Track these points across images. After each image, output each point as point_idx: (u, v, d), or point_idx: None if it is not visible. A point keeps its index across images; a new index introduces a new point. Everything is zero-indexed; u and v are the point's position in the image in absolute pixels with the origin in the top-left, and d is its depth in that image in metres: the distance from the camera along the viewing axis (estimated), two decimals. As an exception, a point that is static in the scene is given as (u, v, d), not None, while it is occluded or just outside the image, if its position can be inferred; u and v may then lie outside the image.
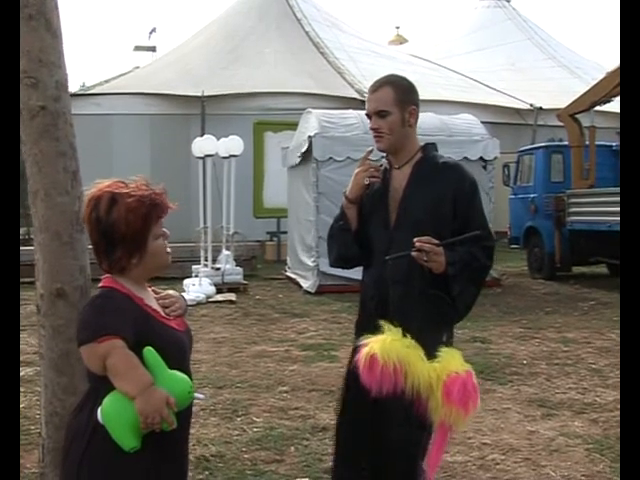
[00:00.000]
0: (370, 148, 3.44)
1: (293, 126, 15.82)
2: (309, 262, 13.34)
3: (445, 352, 2.96)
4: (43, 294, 3.85)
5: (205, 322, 10.47)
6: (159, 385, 2.42)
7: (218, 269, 13.52)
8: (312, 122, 13.91)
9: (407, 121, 3.32)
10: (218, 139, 13.92)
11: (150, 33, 37.02)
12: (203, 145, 13.78)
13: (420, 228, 3.17)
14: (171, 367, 2.48)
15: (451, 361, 2.94)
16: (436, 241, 3.10)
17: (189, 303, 10.94)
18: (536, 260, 15.14)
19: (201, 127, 19.62)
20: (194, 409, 6.00)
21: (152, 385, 2.40)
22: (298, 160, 14.46)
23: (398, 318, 3.05)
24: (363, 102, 16.23)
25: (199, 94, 20.11)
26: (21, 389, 6.70)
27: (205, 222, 13.73)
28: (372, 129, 3.36)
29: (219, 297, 12.50)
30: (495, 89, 24.67)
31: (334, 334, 9.30)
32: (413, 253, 3.08)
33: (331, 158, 13.20)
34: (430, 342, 3.01)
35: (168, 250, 2.69)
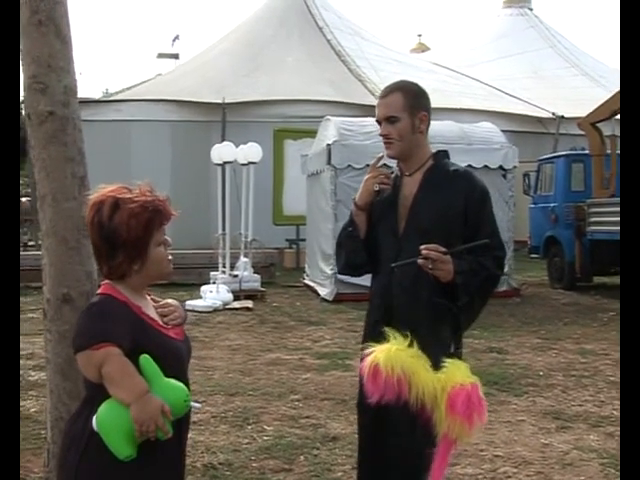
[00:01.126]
0: (380, 154, 3.39)
1: (313, 134, 15.81)
2: (327, 270, 13.29)
3: (450, 363, 2.91)
4: (49, 299, 3.85)
5: (221, 329, 10.46)
6: (155, 393, 2.39)
7: (236, 276, 13.51)
8: (331, 130, 13.89)
9: (417, 127, 3.26)
10: (237, 146, 13.94)
11: (173, 40, 37.31)
12: (222, 152, 13.80)
13: (429, 236, 3.11)
14: (168, 375, 2.46)
15: (456, 372, 2.89)
16: (443, 249, 3.03)
17: (206, 310, 10.98)
18: (556, 270, 15.00)
19: (222, 134, 19.67)
20: (204, 416, 5.99)
21: (147, 393, 2.38)
22: (317, 168, 14.44)
23: (404, 327, 3.00)
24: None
25: (220, 101, 20.16)
26: (33, 393, 6.72)
27: (223, 229, 13.74)
28: (382, 135, 3.30)
29: (236, 304, 12.48)
30: (517, 97, 24.55)
31: (349, 342, 9.25)
32: (419, 261, 3.01)
33: (349, 166, 13.16)
34: (437, 352, 2.96)
35: (169, 258, 2.67)
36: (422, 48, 38.42)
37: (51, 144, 3.72)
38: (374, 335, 3.17)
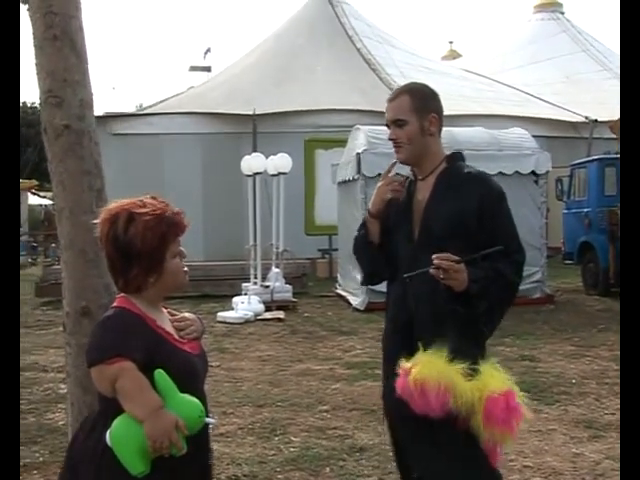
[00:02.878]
0: (394, 161, 3.34)
1: (344, 143, 15.77)
2: (359, 279, 13.21)
3: (485, 369, 2.88)
4: (69, 312, 3.85)
5: (252, 340, 10.45)
6: (169, 408, 2.38)
7: (267, 287, 13.51)
8: (360, 138, 13.87)
9: (427, 130, 3.18)
10: (268, 157, 13.97)
11: (205, 53, 37.50)
12: (252, 163, 13.83)
13: (443, 242, 3.03)
14: (182, 391, 2.44)
15: (491, 379, 2.85)
16: (456, 258, 2.93)
17: (237, 321, 10.97)
18: (590, 276, 14.78)
19: (253, 145, 19.71)
20: (232, 428, 5.95)
21: (161, 408, 2.37)
22: (347, 176, 14.41)
23: (427, 338, 2.96)
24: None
25: (250, 112, 20.22)
26: (62, 406, 6.73)
27: (255, 240, 13.76)
28: (390, 139, 3.25)
29: (267, 315, 12.47)
30: (549, 102, 24.32)
31: (380, 352, 9.15)
32: (431, 271, 2.93)
33: (380, 174, 13.03)
34: (466, 362, 2.92)
35: (185, 269, 2.66)
36: (453, 55, 38.27)
37: (67, 157, 3.72)
38: (393, 348, 3.14)
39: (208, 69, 36.11)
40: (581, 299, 14.24)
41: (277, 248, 14.05)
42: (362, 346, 9.81)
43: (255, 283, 13.62)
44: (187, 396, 2.44)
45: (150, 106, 26.36)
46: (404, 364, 2.94)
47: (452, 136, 13.32)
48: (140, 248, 2.50)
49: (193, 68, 38.12)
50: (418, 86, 3.31)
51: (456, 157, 3.30)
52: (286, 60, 23.23)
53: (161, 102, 25.54)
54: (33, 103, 35.83)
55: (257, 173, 13.67)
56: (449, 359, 2.85)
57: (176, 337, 2.61)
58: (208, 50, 37.41)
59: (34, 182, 28.78)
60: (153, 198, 2.61)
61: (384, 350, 3.34)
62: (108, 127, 20.06)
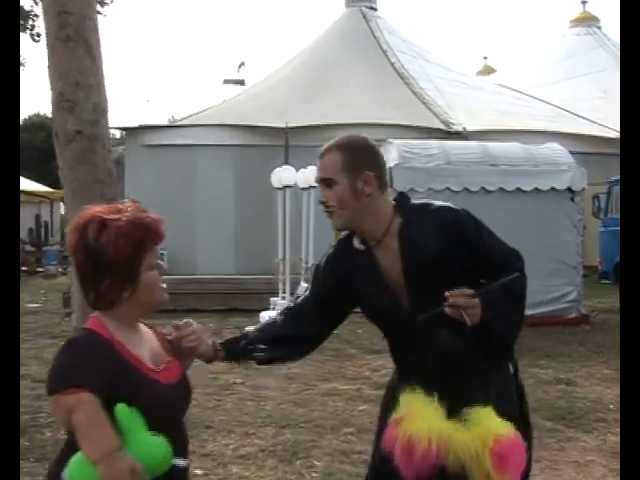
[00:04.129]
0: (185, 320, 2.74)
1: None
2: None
3: (477, 412, 2.60)
4: (77, 328, 3.65)
5: (278, 356, 10.19)
6: (130, 449, 2.11)
7: (295, 302, 13.25)
8: (392, 153, 13.62)
9: (361, 191, 2.76)
10: (298, 170, 13.77)
11: (239, 67, 37.55)
12: (282, 176, 13.65)
13: (440, 294, 2.64)
14: (153, 427, 2.19)
15: (489, 422, 2.57)
16: (470, 291, 2.63)
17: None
18: (628, 296, 14.35)
19: (284, 158, 19.52)
20: (252, 450, 5.69)
21: (117, 450, 2.09)
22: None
23: (436, 383, 2.71)
24: (449, 133, 15.79)
25: (283, 125, 20.07)
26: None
27: (284, 254, 13.55)
28: (321, 203, 2.86)
29: (295, 331, 12.21)
30: (586, 118, 23.90)
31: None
32: (448, 310, 2.61)
33: (412, 189, 12.83)
34: (478, 400, 2.67)
35: (163, 285, 2.41)
36: (488, 70, 37.91)
37: (79, 164, 3.56)
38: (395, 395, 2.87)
39: (242, 82, 36.13)
40: (617, 320, 13.80)
41: (306, 263, 13.81)
42: (392, 365, 9.50)
43: (283, 298, 13.39)
44: (151, 435, 2.18)
45: (183, 118, 26.37)
46: (394, 414, 2.68)
47: (486, 151, 13.07)
48: (112, 257, 2.26)
49: (227, 81, 38.17)
50: (351, 140, 2.86)
51: (403, 204, 2.88)
52: (319, 74, 23.11)
53: (194, 115, 25.54)
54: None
55: (287, 186, 13.48)
56: (449, 406, 2.61)
57: (148, 365, 2.34)
58: (242, 64, 37.45)
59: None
60: (133, 202, 2.39)
61: (387, 402, 3.06)
62: (140, 139, 20.07)
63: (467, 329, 2.64)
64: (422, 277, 2.76)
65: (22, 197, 19.41)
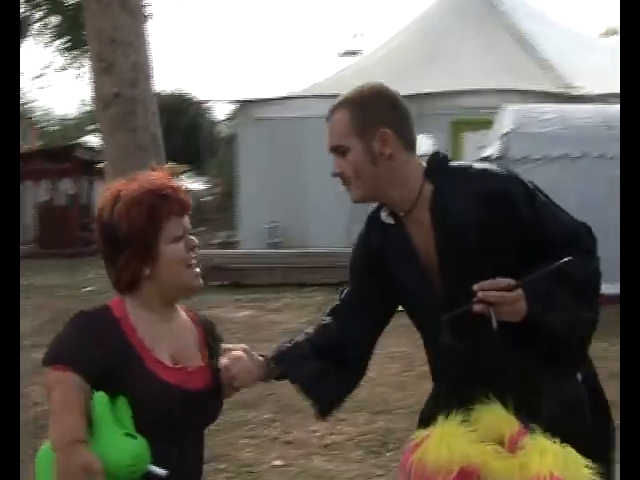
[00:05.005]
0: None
1: (491, 125, 14.88)
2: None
3: (531, 441, 2.05)
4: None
5: (384, 334, 9.78)
6: (97, 445, 1.82)
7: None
8: (507, 119, 12.94)
9: (378, 154, 2.25)
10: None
11: (354, 37, 37.13)
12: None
13: (482, 280, 2.10)
14: (141, 428, 1.88)
15: (536, 455, 2.01)
16: (505, 282, 2.07)
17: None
18: None
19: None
20: (339, 438, 5.32)
21: (78, 442, 1.81)
22: (493, 158, 13.51)
23: (472, 395, 2.16)
24: (570, 97, 14.79)
25: (397, 95, 19.55)
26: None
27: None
28: (335, 176, 2.37)
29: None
30: None
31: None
32: (475, 307, 2.07)
33: (527, 156, 12.13)
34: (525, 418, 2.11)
35: (193, 262, 2.06)
36: (612, 32, 36.03)
37: (118, 130, 3.19)
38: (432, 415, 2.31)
39: (357, 53, 35.72)
40: None
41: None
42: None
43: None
44: (123, 436, 1.86)
45: (299, 91, 26.20)
46: (419, 433, 2.17)
47: (608, 114, 12.16)
48: (126, 229, 2.00)
49: (343, 53, 37.90)
50: (359, 92, 2.34)
51: (436, 167, 2.34)
52: (433, 41, 22.43)
53: (307, 87, 25.31)
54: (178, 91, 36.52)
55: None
56: (491, 426, 2.08)
57: (159, 358, 2.02)
58: (357, 34, 37.03)
59: (183, 167, 29.12)
60: (153, 170, 2.10)
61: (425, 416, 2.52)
62: (253, 112, 20.02)
63: (510, 328, 2.07)
64: (459, 258, 2.22)
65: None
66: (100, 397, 1.88)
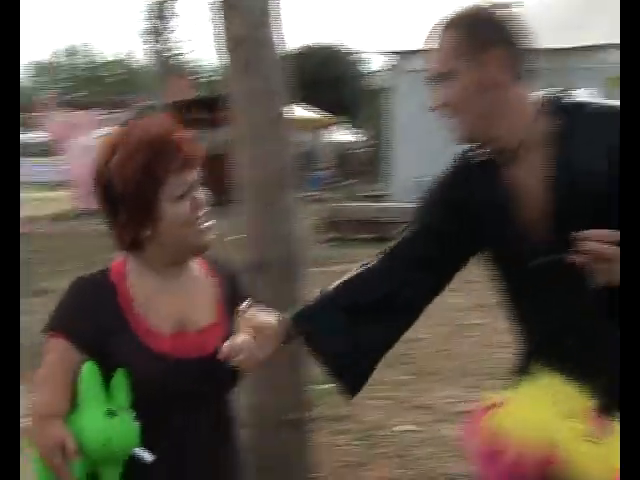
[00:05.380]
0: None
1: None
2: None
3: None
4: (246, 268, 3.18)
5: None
6: (79, 417, 1.71)
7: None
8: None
9: (488, 80, 1.86)
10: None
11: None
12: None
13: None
14: (144, 405, 1.75)
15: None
16: (612, 234, 1.68)
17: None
18: None
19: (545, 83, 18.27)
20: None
21: (55, 416, 1.71)
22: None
23: (568, 364, 1.77)
24: None
25: (563, 46, 18.72)
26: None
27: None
28: (434, 109, 1.96)
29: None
30: None
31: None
32: (576, 258, 1.73)
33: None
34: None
35: (200, 221, 1.82)
36: None
37: (242, 75, 3.03)
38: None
39: (516, 4, 34.61)
40: None
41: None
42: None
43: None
44: (101, 414, 1.70)
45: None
46: (493, 396, 1.81)
47: None
48: (122, 186, 1.77)
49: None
50: (468, 11, 1.91)
51: (557, 101, 1.91)
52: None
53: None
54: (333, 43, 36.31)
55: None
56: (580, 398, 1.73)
57: (154, 328, 1.82)
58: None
59: (334, 119, 29.12)
60: (165, 116, 1.91)
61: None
62: (405, 64, 19.69)
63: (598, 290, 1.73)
64: (574, 213, 1.83)
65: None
66: (88, 369, 1.73)
